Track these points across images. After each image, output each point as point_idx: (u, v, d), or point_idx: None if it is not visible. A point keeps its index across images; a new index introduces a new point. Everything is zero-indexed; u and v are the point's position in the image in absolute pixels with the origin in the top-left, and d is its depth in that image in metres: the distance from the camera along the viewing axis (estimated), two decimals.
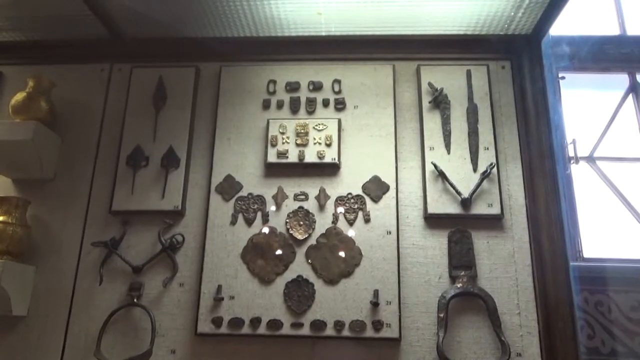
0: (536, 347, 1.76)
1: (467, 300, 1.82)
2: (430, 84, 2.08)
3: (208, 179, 2.01)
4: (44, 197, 2.02)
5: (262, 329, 1.80)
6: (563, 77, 2.63)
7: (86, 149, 2.09)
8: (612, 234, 2.44)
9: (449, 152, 1.99)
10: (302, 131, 2.02)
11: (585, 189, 2.52)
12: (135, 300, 1.86)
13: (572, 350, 1.74)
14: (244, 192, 1.99)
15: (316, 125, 2.03)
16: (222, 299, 1.84)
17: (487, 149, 1.99)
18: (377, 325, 1.78)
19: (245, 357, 1.79)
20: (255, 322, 1.81)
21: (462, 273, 1.84)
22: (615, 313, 2.23)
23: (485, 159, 1.97)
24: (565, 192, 2.38)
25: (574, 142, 2.45)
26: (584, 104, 2.67)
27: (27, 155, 1.96)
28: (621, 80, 2.70)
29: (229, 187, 2.00)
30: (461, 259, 1.87)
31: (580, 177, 2.53)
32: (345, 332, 1.78)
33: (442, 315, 1.78)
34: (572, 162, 2.45)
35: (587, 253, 2.38)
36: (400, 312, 1.79)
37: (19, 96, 2.02)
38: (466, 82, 2.09)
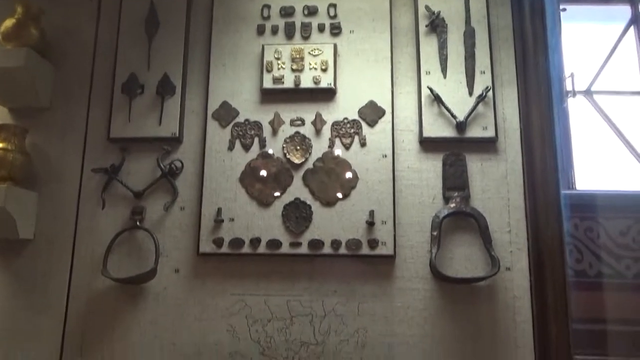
0: (525, 262, 1.83)
1: (460, 219, 1.87)
2: (427, 7, 2.04)
3: (204, 105, 2.01)
4: (41, 126, 2.03)
5: (262, 249, 1.87)
6: (564, 9, 2.56)
7: (80, 77, 2.07)
8: (607, 168, 2.47)
9: (445, 76, 1.98)
10: (298, 56, 2.00)
11: (582, 123, 2.53)
12: (137, 223, 1.91)
13: (560, 265, 1.81)
14: (240, 118, 1.99)
15: (311, 51, 2.00)
16: (222, 221, 1.89)
17: (484, 72, 1.98)
18: (373, 243, 1.84)
19: (246, 274, 1.87)
20: (255, 242, 1.87)
21: (456, 194, 1.89)
22: (603, 238, 2.29)
23: (481, 82, 1.97)
24: (561, 125, 2.38)
25: (572, 75, 2.43)
26: (584, 37, 2.62)
27: (20, 82, 1.95)
28: (623, 11, 2.64)
29: (226, 113, 2.00)
30: (455, 181, 1.91)
31: (577, 111, 2.53)
32: (342, 251, 1.85)
33: (435, 233, 1.84)
34: (569, 95, 2.44)
35: (579, 185, 2.42)
36: (395, 231, 1.85)
37: (8, 22, 1.98)
38: (464, 5, 2.05)
